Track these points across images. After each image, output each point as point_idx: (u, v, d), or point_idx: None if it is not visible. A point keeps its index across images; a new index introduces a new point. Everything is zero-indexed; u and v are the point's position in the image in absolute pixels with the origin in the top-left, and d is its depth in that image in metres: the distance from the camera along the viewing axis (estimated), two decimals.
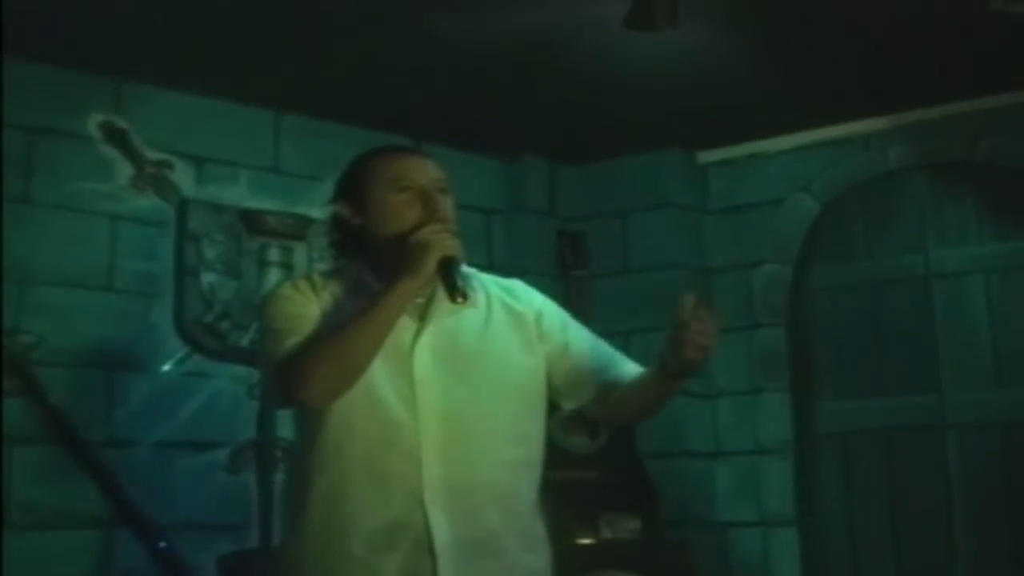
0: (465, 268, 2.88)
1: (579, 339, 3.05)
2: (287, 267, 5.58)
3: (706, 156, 6.58)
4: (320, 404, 2.76)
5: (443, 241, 2.79)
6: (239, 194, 5.52)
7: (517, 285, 3.08)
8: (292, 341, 2.79)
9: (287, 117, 5.72)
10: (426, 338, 2.85)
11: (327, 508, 2.79)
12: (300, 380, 2.71)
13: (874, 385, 6.10)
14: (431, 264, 2.76)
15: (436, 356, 2.84)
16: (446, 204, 2.91)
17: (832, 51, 5.15)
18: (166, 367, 5.18)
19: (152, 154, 5.26)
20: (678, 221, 6.48)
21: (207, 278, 5.35)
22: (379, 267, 2.89)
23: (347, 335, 2.73)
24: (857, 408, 6.11)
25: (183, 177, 5.35)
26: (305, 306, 2.86)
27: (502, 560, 2.81)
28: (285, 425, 5.05)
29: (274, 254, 5.57)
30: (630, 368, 3.02)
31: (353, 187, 2.96)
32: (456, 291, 2.77)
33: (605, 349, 3.07)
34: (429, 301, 2.88)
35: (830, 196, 6.26)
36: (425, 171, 2.94)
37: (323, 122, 5.75)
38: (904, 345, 6.03)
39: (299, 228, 5.64)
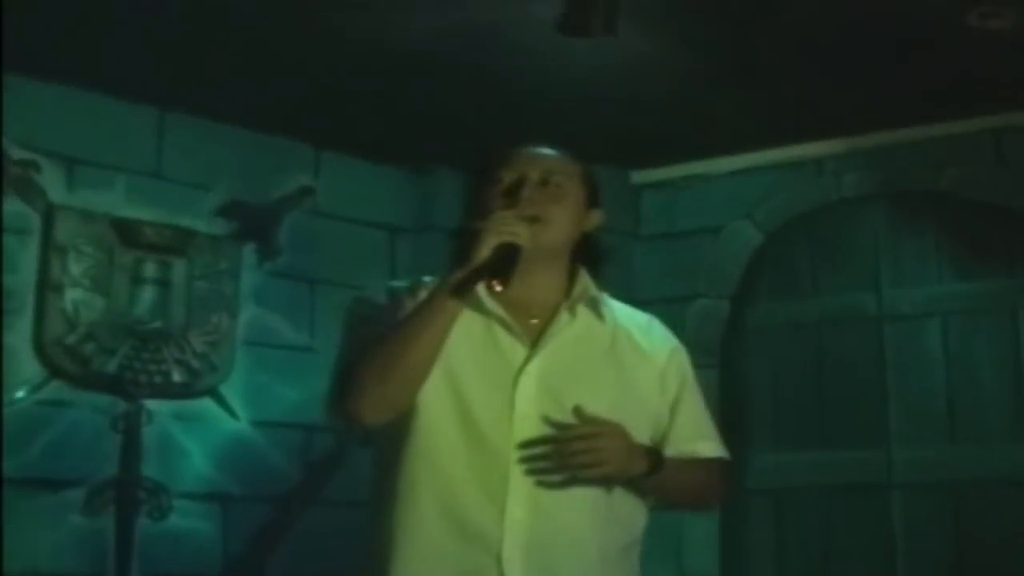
0: (595, 293, 2.73)
1: (683, 411, 2.80)
2: (164, 284, 5.29)
3: (640, 176, 6.27)
4: (367, 421, 2.55)
5: (505, 226, 2.53)
6: (114, 201, 5.19)
7: (654, 324, 2.87)
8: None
9: (171, 116, 5.36)
10: (535, 366, 2.61)
11: (388, 554, 2.56)
12: (346, 395, 2.55)
13: (814, 437, 5.73)
14: (485, 251, 2.50)
15: (543, 388, 2.60)
16: (538, 193, 2.67)
17: (783, 66, 4.90)
18: (19, 394, 4.86)
19: (16, 152, 4.94)
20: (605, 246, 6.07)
21: (72, 295, 5.04)
22: None
23: (392, 343, 2.53)
24: (794, 462, 5.73)
25: (51, 180, 5.05)
26: (395, 313, 2.66)
27: None
28: (150, 463, 5.01)
29: (150, 270, 5.26)
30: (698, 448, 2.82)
31: (472, 191, 2.79)
32: (495, 276, 2.50)
33: (698, 428, 2.84)
34: (546, 324, 2.66)
35: (775, 225, 5.94)
36: (532, 162, 2.73)
37: (211, 123, 5.42)
38: (850, 393, 5.69)
39: (179, 241, 5.31)
